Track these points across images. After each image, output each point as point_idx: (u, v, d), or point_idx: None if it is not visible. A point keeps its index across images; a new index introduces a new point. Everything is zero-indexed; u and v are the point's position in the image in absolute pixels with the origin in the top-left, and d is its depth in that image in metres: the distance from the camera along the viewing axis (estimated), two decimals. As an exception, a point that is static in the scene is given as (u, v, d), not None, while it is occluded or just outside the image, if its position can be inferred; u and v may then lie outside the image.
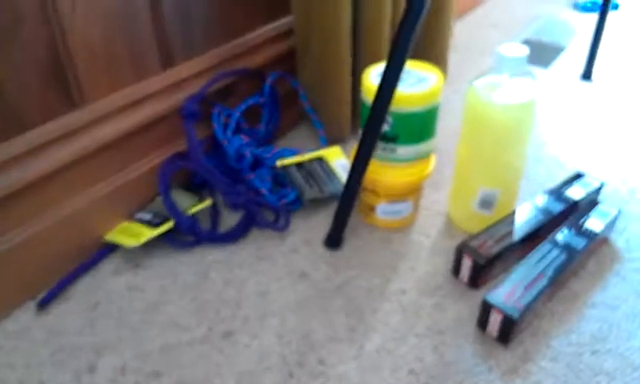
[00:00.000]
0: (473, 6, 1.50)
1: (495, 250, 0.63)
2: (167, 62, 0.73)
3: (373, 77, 0.66)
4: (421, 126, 0.65)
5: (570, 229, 0.65)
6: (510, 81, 0.61)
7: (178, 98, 0.74)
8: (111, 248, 0.69)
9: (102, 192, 0.68)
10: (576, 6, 1.48)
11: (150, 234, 0.67)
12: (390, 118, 0.63)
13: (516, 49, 0.60)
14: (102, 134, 0.66)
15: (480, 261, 0.61)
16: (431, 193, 0.79)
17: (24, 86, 0.58)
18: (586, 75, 1.10)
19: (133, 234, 0.68)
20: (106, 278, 0.66)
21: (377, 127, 0.61)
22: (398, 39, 0.56)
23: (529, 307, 0.56)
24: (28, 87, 0.58)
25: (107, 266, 0.68)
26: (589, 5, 1.46)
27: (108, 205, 0.69)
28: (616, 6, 1.45)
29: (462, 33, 1.34)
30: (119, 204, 0.70)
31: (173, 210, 0.69)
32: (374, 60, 0.79)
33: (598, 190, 0.72)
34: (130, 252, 0.69)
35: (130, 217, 0.71)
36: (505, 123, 0.62)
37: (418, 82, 0.64)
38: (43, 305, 0.62)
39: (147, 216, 0.70)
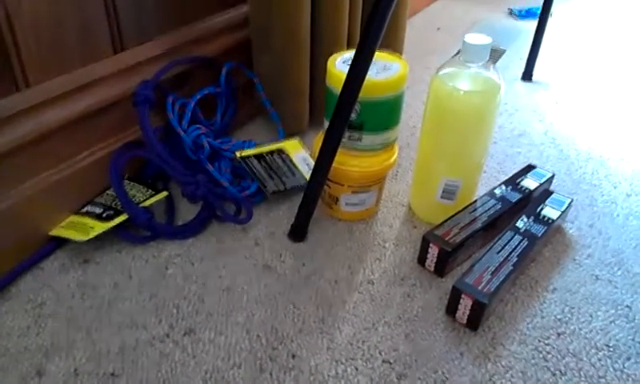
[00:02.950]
0: (416, 10, 1.54)
1: (460, 238, 0.63)
2: (118, 45, 0.68)
3: (339, 64, 0.64)
4: (387, 113, 0.65)
5: (528, 217, 0.66)
6: (474, 69, 0.62)
7: (130, 83, 0.69)
8: (57, 244, 0.63)
9: (46, 182, 0.62)
10: (512, 13, 1.56)
11: (101, 227, 0.62)
12: (357, 106, 0.62)
13: (480, 38, 0.61)
14: (47, 118, 0.60)
15: (447, 248, 0.62)
16: (391, 185, 0.79)
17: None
18: (527, 76, 1.15)
19: (82, 228, 0.62)
20: (53, 276, 0.61)
21: (345, 116, 0.60)
22: (370, 25, 0.55)
23: (497, 292, 0.56)
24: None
25: (53, 262, 0.62)
26: (523, 13, 1.53)
27: (54, 197, 0.63)
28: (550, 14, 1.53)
29: (408, 35, 1.36)
30: (66, 196, 0.65)
31: (126, 202, 0.65)
32: (333, 51, 0.78)
33: (549, 180, 0.75)
34: (78, 248, 0.64)
35: (79, 210, 0.66)
36: (469, 110, 0.63)
37: (383, 69, 0.64)
38: (-19, 306, 0.55)
39: (98, 209, 0.65)
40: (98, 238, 0.62)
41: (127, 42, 0.69)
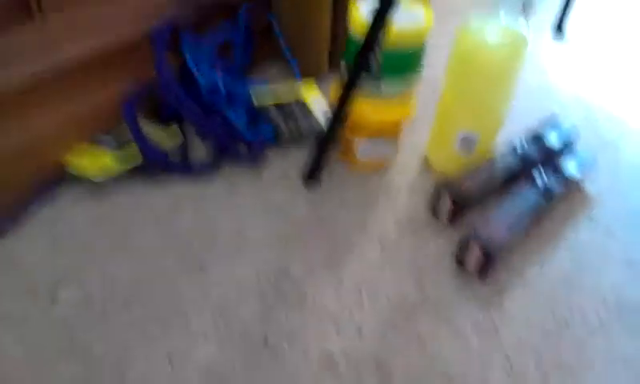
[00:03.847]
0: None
1: (474, 189, 0.63)
2: (135, -19, 0.68)
3: (362, 9, 0.63)
4: (408, 62, 0.63)
5: (548, 173, 0.65)
6: (501, 21, 0.60)
7: (148, 23, 0.69)
8: (73, 177, 0.64)
9: (61, 117, 0.62)
10: (547, -35, 1.49)
11: (116, 168, 0.63)
12: (378, 54, 0.61)
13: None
14: (64, 55, 0.60)
15: (459, 200, 0.61)
16: (408, 136, 0.77)
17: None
18: (558, 31, 1.11)
19: (97, 163, 0.63)
20: (67, 208, 0.62)
21: (366, 62, 0.59)
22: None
23: (508, 244, 0.56)
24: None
25: (68, 195, 0.63)
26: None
27: (69, 130, 0.64)
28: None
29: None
30: (82, 131, 0.65)
31: (141, 140, 0.65)
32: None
33: (573, 138, 0.73)
34: (93, 182, 0.65)
35: (94, 143, 0.66)
36: (493, 63, 0.61)
37: (407, 17, 0.62)
38: (-2, 233, 0.57)
39: (113, 143, 0.66)
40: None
41: (144, -23, 0.68)
